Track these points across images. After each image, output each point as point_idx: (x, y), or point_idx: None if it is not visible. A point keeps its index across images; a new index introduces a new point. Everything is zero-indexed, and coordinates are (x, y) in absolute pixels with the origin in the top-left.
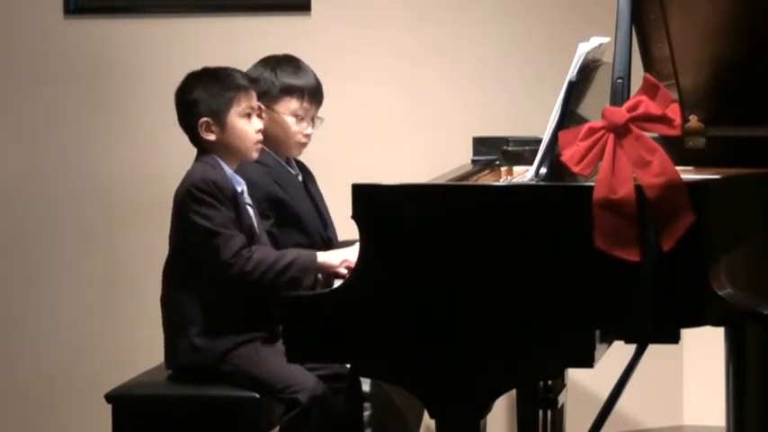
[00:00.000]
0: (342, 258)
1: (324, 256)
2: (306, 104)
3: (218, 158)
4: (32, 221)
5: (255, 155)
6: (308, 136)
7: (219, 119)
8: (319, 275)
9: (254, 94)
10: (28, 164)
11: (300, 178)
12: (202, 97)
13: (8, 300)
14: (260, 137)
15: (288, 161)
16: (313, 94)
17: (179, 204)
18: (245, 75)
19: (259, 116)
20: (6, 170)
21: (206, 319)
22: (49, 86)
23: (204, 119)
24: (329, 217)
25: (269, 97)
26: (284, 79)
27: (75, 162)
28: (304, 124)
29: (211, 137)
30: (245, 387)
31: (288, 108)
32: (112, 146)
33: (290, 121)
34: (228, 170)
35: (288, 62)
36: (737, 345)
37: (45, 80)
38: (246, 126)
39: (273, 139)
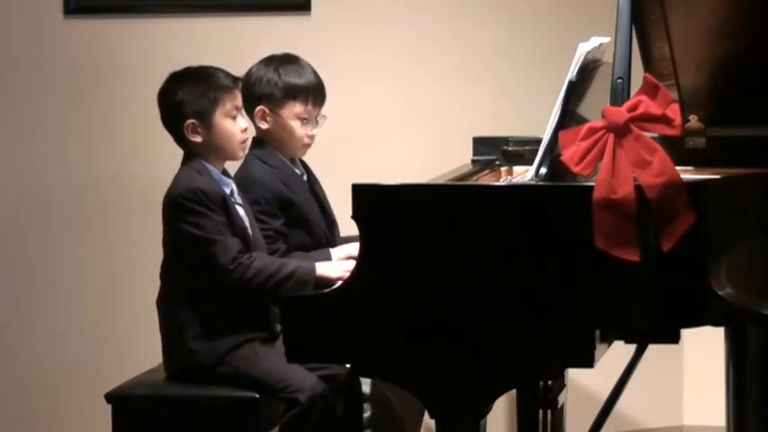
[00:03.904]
0: (341, 270)
1: (322, 269)
2: (310, 106)
3: (205, 161)
4: (31, 221)
5: (242, 155)
6: (312, 137)
7: (205, 120)
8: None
9: (238, 94)
10: (28, 164)
11: (305, 178)
12: (187, 98)
13: (8, 300)
14: (245, 136)
15: (292, 161)
16: (317, 95)
17: (168, 213)
18: (228, 74)
19: (263, 118)
20: (6, 170)
21: (203, 322)
22: (48, 86)
23: (190, 121)
24: (333, 216)
25: (274, 101)
26: (288, 81)
27: (74, 162)
28: (309, 126)
29: (197, 138)
30: (244, 388)
31: (293, 112)
32: (112, 146)
33: (295, 124)
34: (216, 172)
35: (289, 62)
36: (737, 345)
37: (45, 80)
38: (232, 126)
39: (278, 141)
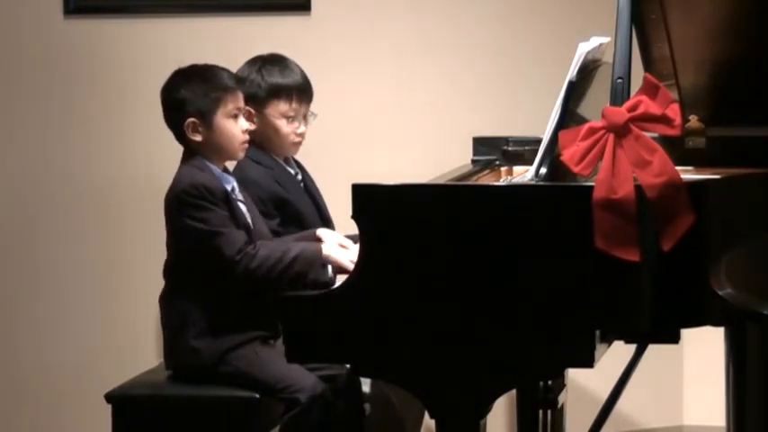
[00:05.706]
0: (347, 259)
1: (329, 250)
2: (295, 104)
3: (205, 160)
4: (31, 221)
5: (242, 155)
6: (301, 134)
7: (206, 120)
8: (329, 272)
9: (240, 95)
10: (28, 163)
11: (299, 177)
12: (189, 97)
13: (8, 300)
14: (246, 137)
15: (286, 160)
16: (301, 93)
17: (171, 210)
18: (231, 74)
19: (249, 119)
20: (6, 170)
21: (205, 320)
22: (48, 86)
23: (191, 119)
24: (329, 215)
25: (257, 100)
26: (270, 81)
27: (74, 161)
28: (296, 124)
29: (198, 137)
30: (244, 387)
31: (277, 110)
32: (113, 145)
33: (281, 123)
34: (216, 170)
35: (273, 62)
36: (737, 345)
37: (45, 80)
38: (233, 127)
39: (267, 141)
